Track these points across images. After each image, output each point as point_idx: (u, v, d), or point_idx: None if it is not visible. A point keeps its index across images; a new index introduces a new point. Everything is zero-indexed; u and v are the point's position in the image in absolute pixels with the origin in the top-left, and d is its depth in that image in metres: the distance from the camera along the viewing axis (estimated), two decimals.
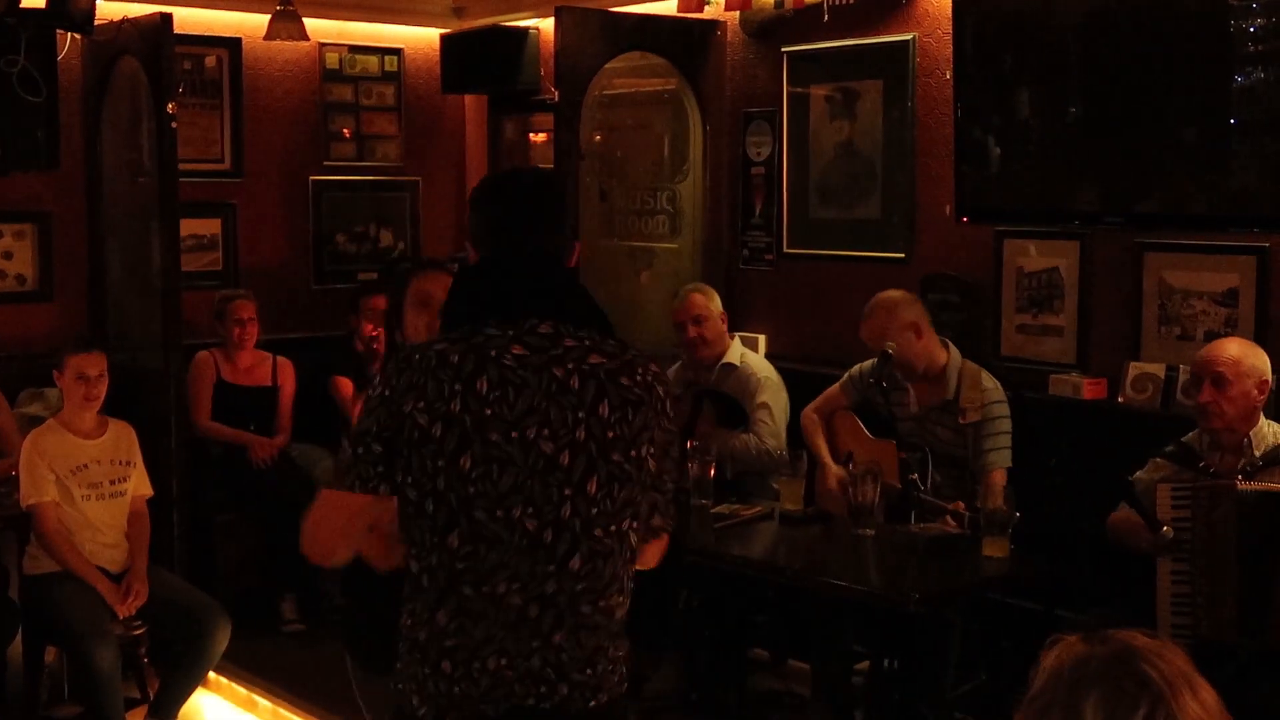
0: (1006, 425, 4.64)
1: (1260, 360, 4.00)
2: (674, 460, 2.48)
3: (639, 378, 2.40)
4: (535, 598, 2.31)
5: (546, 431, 2.30)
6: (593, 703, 2.37)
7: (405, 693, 2.37)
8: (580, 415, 2.32)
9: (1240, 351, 4.00)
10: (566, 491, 2.31)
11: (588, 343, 2.38)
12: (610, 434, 2.34)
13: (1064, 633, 1.63)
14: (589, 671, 2.36)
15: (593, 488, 2.32)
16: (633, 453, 2.36)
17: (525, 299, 2.39)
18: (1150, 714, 1.49)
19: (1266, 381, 3.99)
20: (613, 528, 2.36)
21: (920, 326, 4.79)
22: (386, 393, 2.32)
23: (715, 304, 5.38)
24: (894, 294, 4.90)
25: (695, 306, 5.32)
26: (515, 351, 2.32)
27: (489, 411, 2.28)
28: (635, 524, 2.40)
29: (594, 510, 2.33)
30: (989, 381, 4.69)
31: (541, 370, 2.32)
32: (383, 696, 2.70)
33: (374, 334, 6.10)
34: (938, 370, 4.71)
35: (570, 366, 2.34)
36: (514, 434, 2.29)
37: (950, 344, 4.78)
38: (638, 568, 2.48)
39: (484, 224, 2.49)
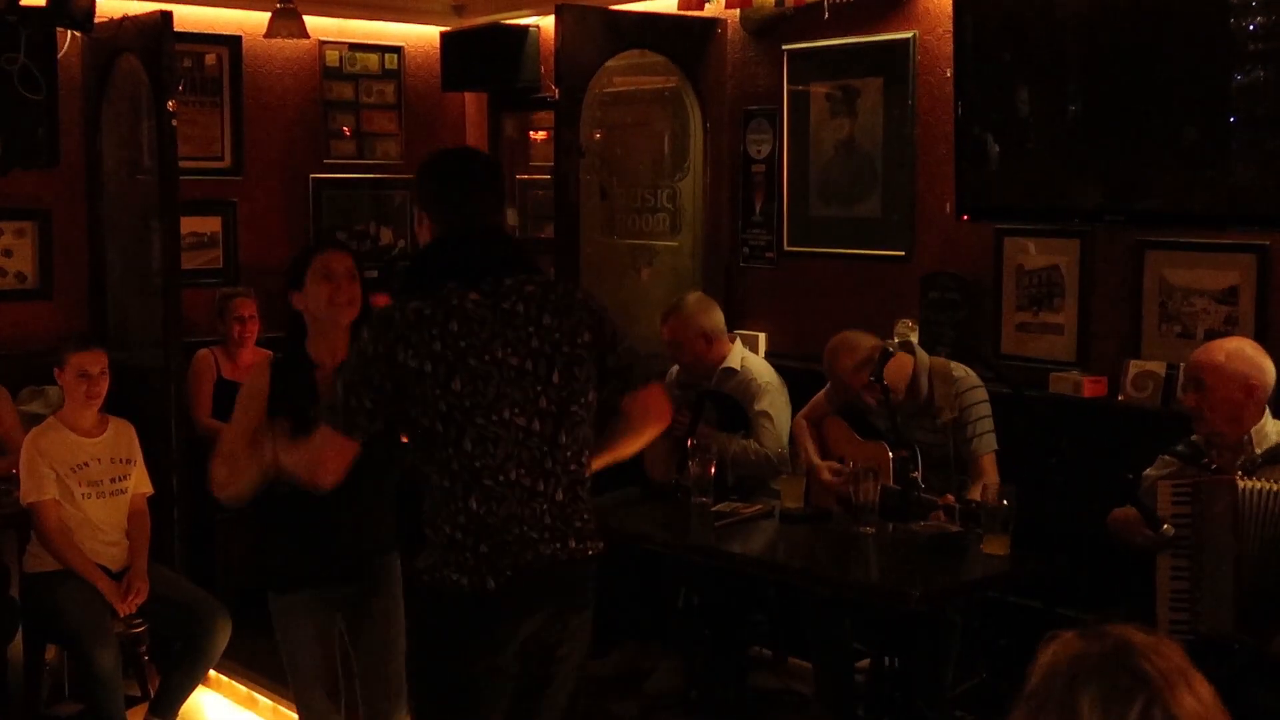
0: (985, 410, 4.63)
1: (1250, 364, 3.97)
2: (611, 336, 3.11)
3: (562, 290, 3.10)
4: (540, 474, 2.98)
5: (510, 349, 2.96)
6: (591, 551, 3.07)
7: (443, 578, 2.95)
8: (530, 330, 2.99)
9: (1226, 357, 3.98)
10: (538, 388, 2.98)
11: (522, 279, 3.04)
12: (555, 335, 3.01)
13: (1062, 629, 1.64)
14: (586, 517, 3.07)
15: (556, 378, 3.00)
16: (577, 339, 3.04)
17: (483, 264, 3.02)
18: (1146, 708, 1.50)
19: (1255, 386, 3.95)
20: (582, 400, 3.05)
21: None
22: (380, 349, 2.91)
23: (709, 319, 5.26)
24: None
25: (685, 326, 5.22)
26: (472, 298, 2.97)
27: (463, 344, 2.92)
28: (594, 394, 3.08)
29: (563, 394, 3.01)
30: (958, 370, 4.68)
31: (494, 307, 2.98)
32: (302, 634, 3.73)
33: None
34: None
35: (514, 299, 3.00)
36: (486, 356, 2.94)
37: (916, 346, 4.74)
38: (655, 427, 3.24)
39: (444, 202, 3.09)
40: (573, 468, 3.04)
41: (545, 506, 2.98)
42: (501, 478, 2.94)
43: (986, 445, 4.61)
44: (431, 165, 3.19)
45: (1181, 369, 4.65)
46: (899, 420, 4.63)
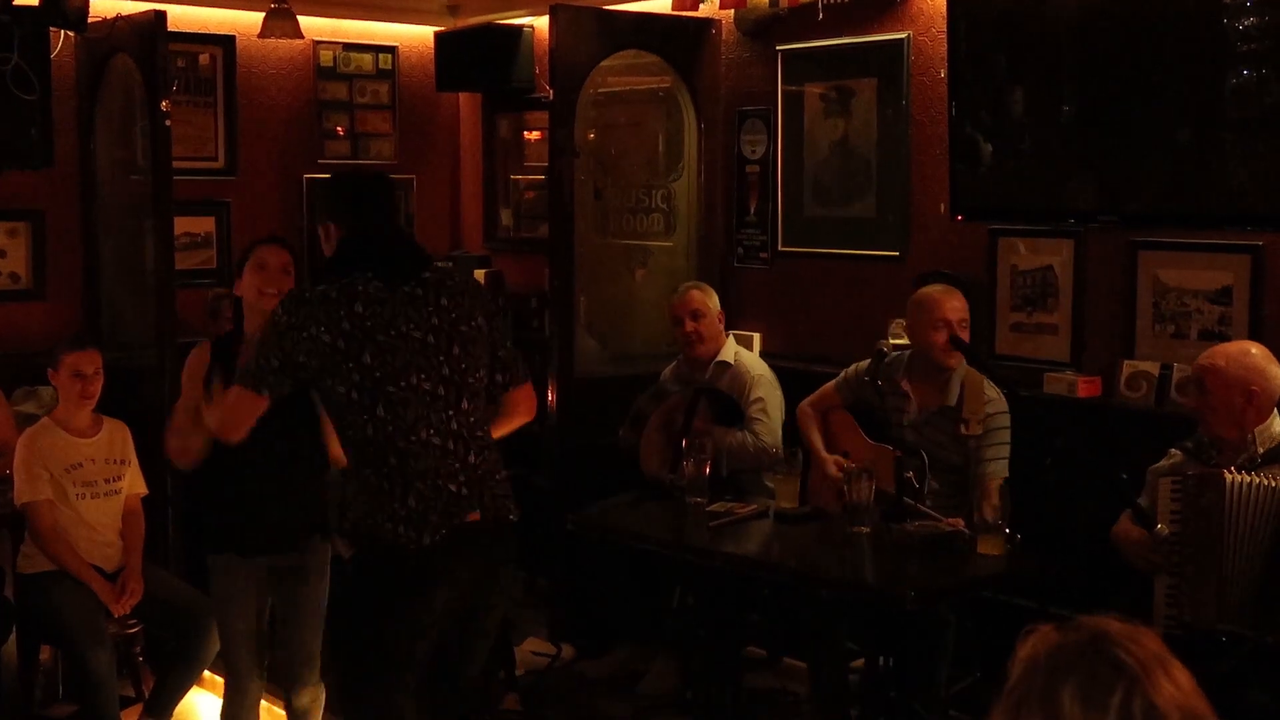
0: (1007, 436, 4.62)
1: (1253, 370, 3.95)
2: (501, 329, 3.54)
3: (457, 279, 3.53)
4: (448, 435, 3.33)
5: (412, 325, 3.32)
6: (511, 516, 3.43)
7: (377, 525, 3.28)
8: (429, 309, 3.36)
9: (1227, 361, 3.98)
10: (440, 358, 3.34)
11: (419, 269, 3.43)
12: (453, 315, 3.39)
13: (1040, 624, 1.65)
14: (499, 479, 3.42)
15: (455, 350, 3.37)
16: (472, 322, 3.42)
17: (384, 258, 3.40)
18: (1126, 696, 1.51)
19: (1257, 392, 3.95)
20: (478, 373, 3.43)
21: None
22: (293, 321, 3.28)
23: (714, 302, 5.40)
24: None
25: (693, 301, 5.35)
26: (375, 284, 3.33)
27: (369, 323, 3.28)
28: (484, 369, 3.46)
29: (462, 365, 3.38)
30: (992, 391, 4.66)
31: (394, 290, 3.34)
32: (230, 592, 4.05)
33: None
34: (946, 375, 4.68)
35: (413, 283, 3.38)
36: (392, 331, 3.30)
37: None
38: (524, 419, 3.67)
39: (352, 214, 3.50)
40: (479, 433, 3.41)
41: (458, 465, 3.33)
42: (414, 438, 3.28)
43: (999, 471, 4.56)
44: (336, 183, 3.85)
45: (1177, 368, 4.68)
46: (919, 421, 4.63)
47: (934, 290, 4.74)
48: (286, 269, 3.98)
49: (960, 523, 4.30)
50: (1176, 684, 1.53)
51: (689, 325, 5.31)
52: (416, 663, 3.36)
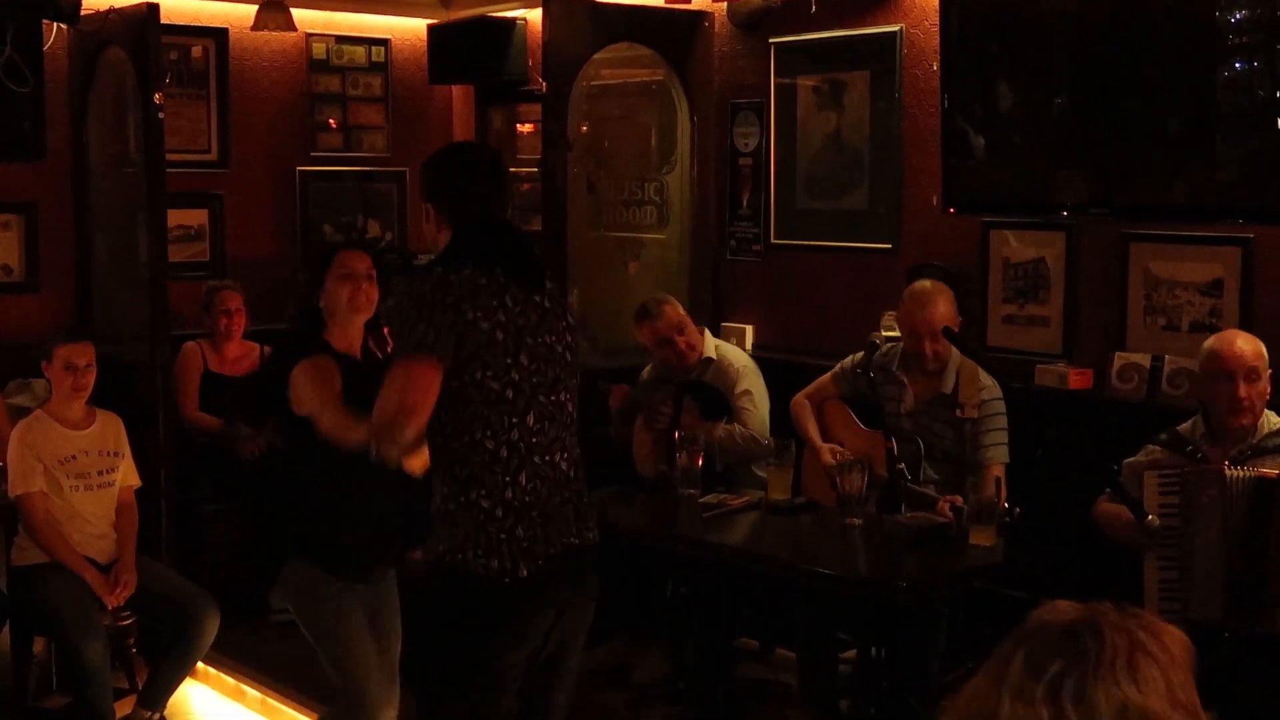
0: (1003, 422, 4.64)
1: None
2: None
3: (562, 296, 3.24)
4: (573, 462, 3.11)
5: (554, 336, 3.06)
6: (596, 537, 3.17)
7: (468, 561, 2.95)
8: (562, 324, 3.10)
9: (1259, 345, 4.04)
10: (573, 381, 3.12)
11: (544, 278, 3.14)
12: (568, 337, 3.13)
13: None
14: (590, 510, 3.17)
15: (573, 380, 3.13)
16: (575, 346, 3.17)
17: (516, 256, 3.08)
18: (1061, 674, 1.45)
19: (1270, 373, 4.03)
20: (575, 403, 3.16)
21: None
22: (444, 298, 2.89)
23: (681, 307, 5.36)
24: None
25: (674, 317, 5.24)
26: (515, 284, 3.00)
27: (520, 321, 2.99)
28: None
29: (572, 386, 3.13)
30: (986, 379, 4.67)
31: (529, 298, 3.04)
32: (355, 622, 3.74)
33: None
34: (940, 366, 4.70)
35: (541, 295, 3.08)
36: (540, 339, 3.02)
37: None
38: None
39: (456, 196, 3.11)
40: (580, 456, 3.17)
41: (571, 492, 3.09)
42: (548, 458, 3.03)
43: (998, 456, 4.59)
44: (443, 156, 3.24)
45: (1168, 360, 4.70)
46: (916, 410, 4.65)
47: (921, 292, 4.71)
48: (371, 274, 3.73)
49: (959, 499, 4.32)
50: (1136, 686, 1.45)
51: (680, 343, 5.20)
52: (502, 711, 3.07)
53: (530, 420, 2.98)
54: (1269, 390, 4.02)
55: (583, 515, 3.13)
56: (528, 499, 2.98)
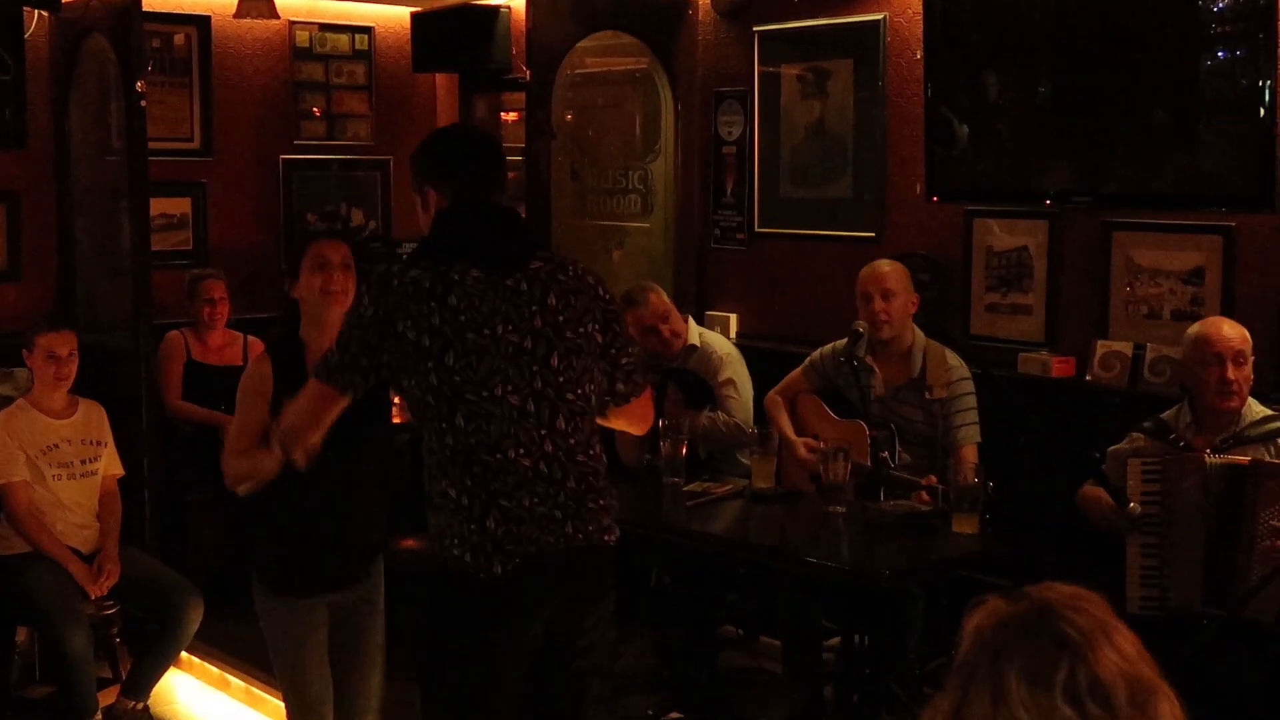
0: (973, 401, 4.67)
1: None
2: (623, 334, 3.07)
3: (572, 272, 3.00)
4: (540, 457, 2.88)
5: (510, 326, 2.88)
6: (607, 538, 2.98)
7: (446, 550, 2.89)
8: (533, 308, 2.91)
9: (1243, 331, 4.06)
10: (535, 368, 2.89)
11: (529, 256, 2.98)
12: (560, 318, 2.92)
13: (987, 595, 1.65)
14: (601, 504, 2.96)
15: (554, 361, 2.91)
16: (581, 329, 2.95)
17: (490, 239, 2.98)
18: (1071, 671, 1.51)
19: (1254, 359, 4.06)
20: (580, 390, 2.95)
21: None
22: (379, 313, 2.87)
23: (666, 294, 5.37)
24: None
25: (660, 306, 5.23)
26: (474, 274, 2.89)
27: (462, 318, 2.85)
28: (593, 387, 3.00)
29: (560, 379, 2.91)
30: (953, 359, 4.72)
31: (496, 283, 2.90)
32: (309, 638, 3.59)
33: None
34: (904, 350, 4.73)
35: (518, 275, 2.93)
36: (485, 331, 2.86)
37: (914, 325, 4.79)
38: (641, 429, 3.29)
39: (453, 177, 3.02)
40: (580, 457, 2.94)
41: (553, 490, 2.89)
42: (499, 455, 2.85)
43: (970, 436, 4.63)
44: (437, 139, 3.16)
45: (1150, 348, 4.72)
46: (886, 395, 4.67)
47: (871, 263, 4.82)
48: (348, 264, 3.60)
49: (934, 479, 4.34)
50: (1120, 651, 1.53)
51: (665, 331, 5.20)
52: (494, 709, 2.94)
53: (459, 421, 2.85)
54: (1253, 376, 4.04)
55: (578, 516, 2.91)
56: (490, 491, 2.86)
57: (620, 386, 3.07)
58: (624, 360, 3.06)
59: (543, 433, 2.89)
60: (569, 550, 2.91)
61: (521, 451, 2.86)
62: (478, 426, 2.85)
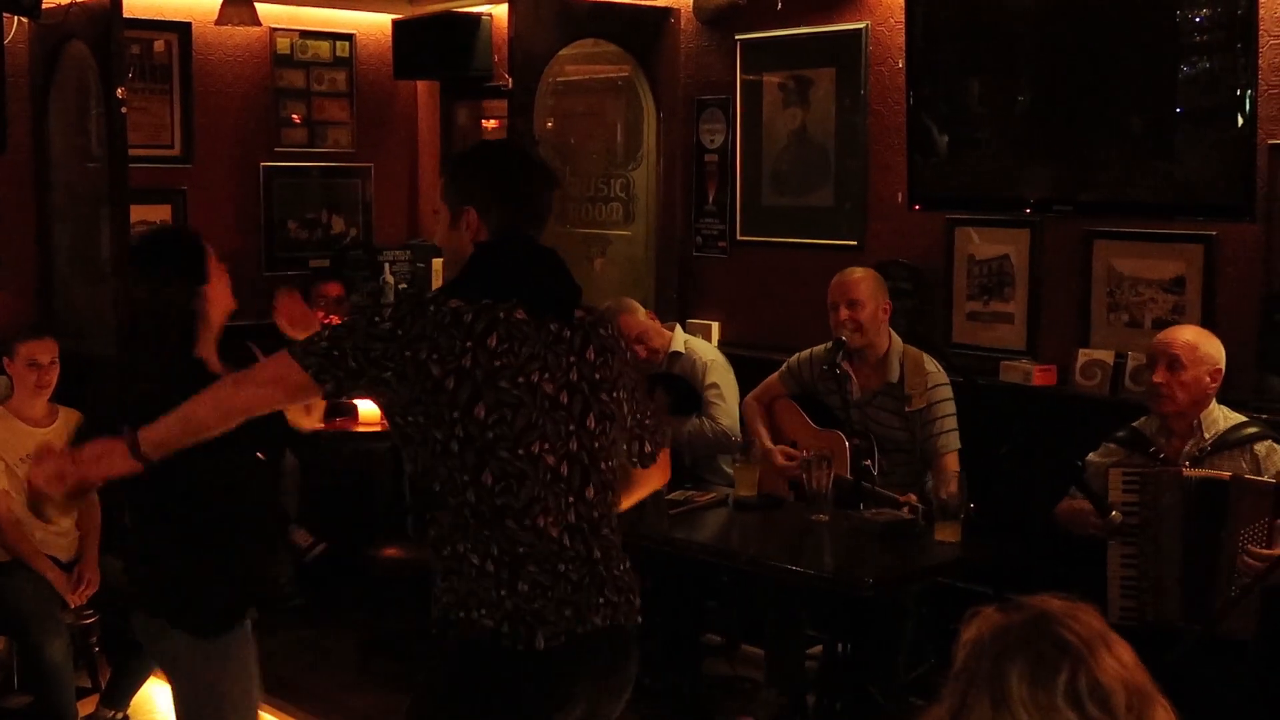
0: (952, 408, 4.68)
1: (1215, 349, 4.06)
2: (644, 399, 2.82)
3: (608, 330, 2.74)
4: (565, 527, 2.58)
5: (547, 375, 2.58)
6: (632, 621, 2.70)
7: (473, 622, 2.54)
8: (571, 359, 2.62)
9: (1196, 338, 4.07)
10: (571, 427, 2.60)
11: (573, 303, 2.72)
12: (597, 375, 2.66)
13: (982, 606, 1.67)
14: (618, 571, 2.68)
15: (591, 423, 2.63)
16: (615, 394, 2.69)
17: (538, 279, 2.69)
18: (1072, 675, 1.53)
19: (1219, 370, 4.04)
20: (610, 464, 2.69)
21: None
22: (399, 331, 2.52)
23: (644, 311, 5.38)
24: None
25: (636, 327, 5.21)
26: (518, 315, 2.59)
27: (498, 363, 2.53)
28: (618, 461, 2.75)
29: (595, 444, 2.64)
30: (931, 365, 4.72)
31: (540, 326, 2.61)
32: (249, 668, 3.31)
33: (326, 321, 6.06)
34: (880, 355, 4.74)
35: (560, 322, 2.64)
36: (520, 379, 2.55)
37: (890, 330, 4.80)
38: (662, 479, 2.98)
39: (505, 203, 2.71)
40: (604, 530, 2.66)
41: (580, 564, 2.60)
42: (527, 522, 2.55)
43: (950, 444, 4.63)
44: (490, 157, 2.88)
45: (1131, 356, 4.73)
46: (862, 401, 4.67)
47: (842, 270, 4.83)
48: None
49: (914, 498, 4.35)
50: (1119, 660, 1.56)
51: (640, 351, 5.12)
52: None
53: (486, 479, 2.52)
54: (1201, 383, 4.02)
55: (614, 590, 2.65)
56: (517, 557, 2.54)
57: (648, 447, 2.83)
58: (648, 421, 2.82)
59: (570, 499, 2.59)
60: (611, 628, 2.63)
61: (551, 520, 2.56)
62: (506, 487, 2.53)
